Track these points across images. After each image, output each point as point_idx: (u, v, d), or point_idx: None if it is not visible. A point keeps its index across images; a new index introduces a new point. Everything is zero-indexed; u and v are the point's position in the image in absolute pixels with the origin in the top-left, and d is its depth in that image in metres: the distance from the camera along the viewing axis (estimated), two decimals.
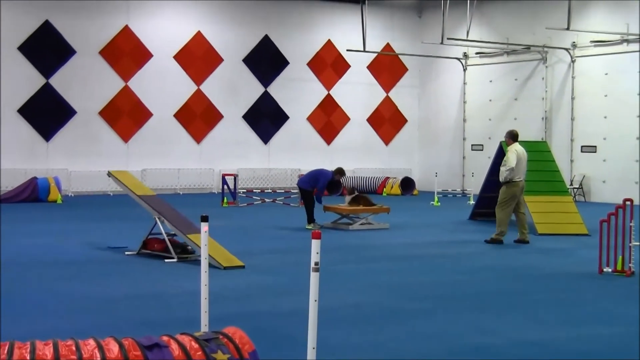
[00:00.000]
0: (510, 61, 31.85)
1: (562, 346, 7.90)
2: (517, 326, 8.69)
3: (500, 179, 16.53)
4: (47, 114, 28.67)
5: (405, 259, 14.10)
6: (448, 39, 28.85)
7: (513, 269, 12.98)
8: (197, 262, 12.46)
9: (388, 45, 34.90)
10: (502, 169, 16.48)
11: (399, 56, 35.04)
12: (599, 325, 8.86)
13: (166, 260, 13.15)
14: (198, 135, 31.43)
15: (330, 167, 31.72)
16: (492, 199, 20.76)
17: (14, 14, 27.99)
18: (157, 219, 13.73)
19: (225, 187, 25.52)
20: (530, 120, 30.77)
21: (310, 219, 18.83)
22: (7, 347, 4.69)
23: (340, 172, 19.46)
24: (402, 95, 35.62)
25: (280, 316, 9.12)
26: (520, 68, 31.46)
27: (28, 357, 4.65)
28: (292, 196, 26.61)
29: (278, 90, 32.87)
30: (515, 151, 16.43)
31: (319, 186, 19.13)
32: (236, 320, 7.52)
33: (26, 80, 28.37)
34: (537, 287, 11.44)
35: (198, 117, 31.38)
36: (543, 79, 30.58)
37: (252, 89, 32.42)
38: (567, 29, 26.13)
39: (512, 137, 16.86)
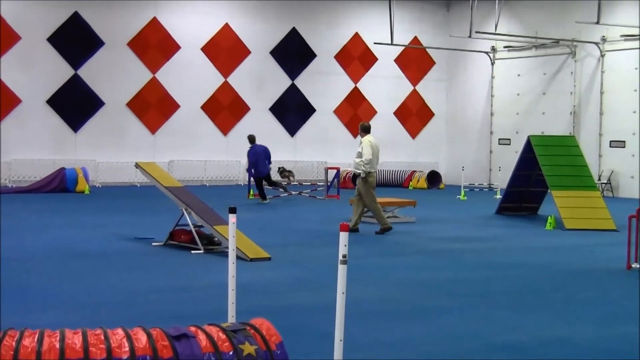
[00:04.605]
0: (538, 55, 31.64)
1: (592, 344, 7.83)
2: (546, 324, 8.61)
3: (358, 172, 16.64)
4: (75, 105, 28.86)
5: (432, 254, 14.04)
6: (476, 32, 28.70)
7: (541, 265, 12.89)
8: (224, 254, 12.54)
9: (416, 38, 34.78)
10: (356, 160, 16.59)
11: (427, 49, 34.92)
12: (628, 323, 8.76)
13: (193, 252, 13.20)
14: (225, 127, 31.51)
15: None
16: (520, 194, 20.75)
17: (44, 6, 28.17)
18: (184, 210, 13.78)
19: (252, 179, 25.56)
20: (559, 114, 30.58)
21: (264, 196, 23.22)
22: (37, 336, 4.73)
23: (248, 139, 23.99)
24: (430, 89, 35.51)
25: (306, 309, 9.12)
26: (549, 62, 31.24)
27: (57, 346, 4.68)
28: (318, 189, 26.65)
29: (305, 83, 32.87)
30: (369, 142, 16.56)
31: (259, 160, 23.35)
32: (262, 312, 7.54)
33: (55, 71, 28.57)
34: (565, 283, 11.36)
35: (225, 109, 31.45)
36: (572, 73, 30.34)
37: (279, 82, 32.44)
38: (597, 22, 25.90)
39: (365, 129, 17.05)
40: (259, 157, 23.39)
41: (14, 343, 4.64)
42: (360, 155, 16.46)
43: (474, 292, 10.43)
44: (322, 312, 8.61)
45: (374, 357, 7.16)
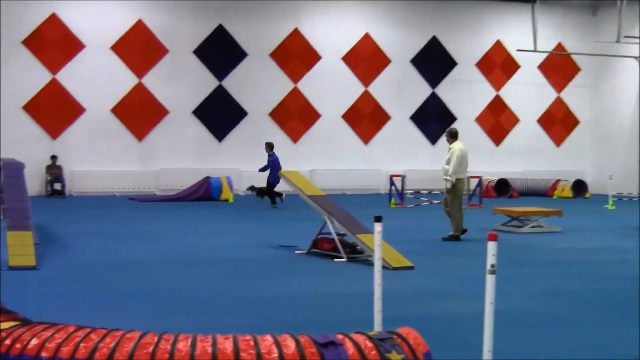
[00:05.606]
0: None
1: None
2: None
3: (447, 179, 16.38)
4: (219, 115, 29.62)
5: (576, 264, 13.62)
6: (625, 37, 27.79)
7: None
8: (366, 262, 12.56)
9: (560, 44, 34.01)
10: (445, 167, 16.41)
11: (572, 56, 34.07)
12: None
13: (335, 260, 13.27)
14: (365, 136, 31.63)
15: (498, 168, 31.30)
16: None
17: (191, 20, 29.06)
18: (327, 218, 13.88)
19: (393, 187, 25.54)
20: None
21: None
22: (190, 340, 4.85)
23: (266, 146, 24.85)
24: (575, 96, 34.64)
25: (451, 318, 9.01)
26: None
27: (210, 350, 4.79)
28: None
29: (446, 91, 32.64)
30: (458, 149, 16.32)
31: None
32: (406, 321, 7.50)
33: (201, 82, 29.41)
34: None
35: (365, 118, 31.58)
36: None
37: (420, 90, 32.34)
38: None
39: (452, 135, 16.80)
40: (277, 165, 24.25)
41: (168, 346, 4.78)
42: (449, 162, 16.33)
43: (617, 303, 10.04)
44: (467, 321, 8.50)
45: None
